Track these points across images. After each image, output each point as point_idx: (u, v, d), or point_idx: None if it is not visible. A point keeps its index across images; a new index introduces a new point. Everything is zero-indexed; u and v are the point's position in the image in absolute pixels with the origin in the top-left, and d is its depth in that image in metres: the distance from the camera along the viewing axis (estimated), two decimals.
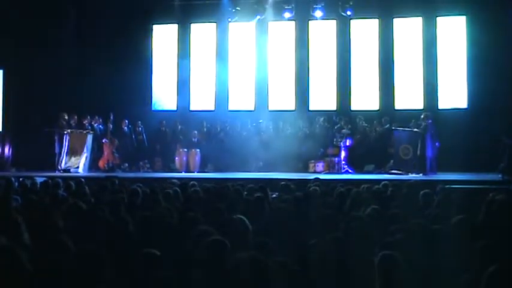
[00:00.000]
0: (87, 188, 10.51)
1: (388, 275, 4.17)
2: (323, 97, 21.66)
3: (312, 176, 14.39)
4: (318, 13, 21.11)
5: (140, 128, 20.72)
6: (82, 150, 19.20)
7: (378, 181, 11.70)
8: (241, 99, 22.28)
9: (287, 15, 21.41)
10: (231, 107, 22.20)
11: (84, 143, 19.28)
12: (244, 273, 3.90)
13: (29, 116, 20.65)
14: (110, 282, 4.46)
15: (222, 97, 22.27)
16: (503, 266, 3.69)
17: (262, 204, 7.79)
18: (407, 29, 21.27)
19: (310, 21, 21.84)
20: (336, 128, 19.66)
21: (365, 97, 21.35)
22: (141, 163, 20.40)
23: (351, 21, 21.47)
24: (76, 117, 19.75)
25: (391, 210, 7.27)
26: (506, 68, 19.29)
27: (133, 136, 20.60)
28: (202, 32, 22.71)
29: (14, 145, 21.15)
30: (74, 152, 19.13)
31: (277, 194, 9.61)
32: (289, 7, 21.25)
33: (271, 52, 22.12)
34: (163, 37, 22.86)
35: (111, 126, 20.01)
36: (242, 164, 19.82)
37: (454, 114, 20.22)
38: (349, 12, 20.91)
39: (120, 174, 17.75)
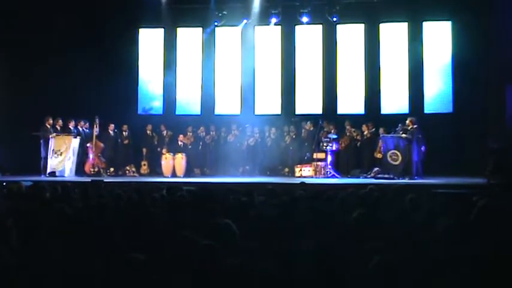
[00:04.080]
0: (73, 192, 10.47)
1: (384, 279, 4.17)
2: (309, 101, 21.71)
3: (298, 181, 14.39)
4: (305, 18, 21.18)
5: (126, 132, 20.64)
6: (67, 154, 19.14)
7: (364, 185, 11.71)
8: (227, 104, 22.28)
9: (274, 20, 21.45)
10: (217, 111, 22.21)
11: (69, 146, 19.20)
12: (231, 279, 3.91)
13: (14, 120, 20.52)
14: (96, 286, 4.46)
15: (208, 101, 22.27)
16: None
17: (248, 209, 7.78)
18: (393, 34, 21.35)
19: (296, 26, 21.90)
20: (322, 132, 19.68)
21: (351, 101, 21.42)
22: (127, 167, 20.35)
23: (337, 26, 21.56)
24: (61, 121, 19.65)
25: (378, 214, 7.28)
26: (491, 72, 19.42)
27: (119, 140, 20.54)
28: (188, 36, 22.69)
29: None
30: (58, 154, 19.05)
31: (263, 198, 9.60)
32: (276, 12, 21.31)
33: (257, 56, 22.15)
34: (149, 41, 22.84)
35: (97, 130, 19.92)
36: (228, 169, 19.85)
37: (439, 118, 20.33)
38: (335, 19, 21.00)
39: (106, 178, 17.69)
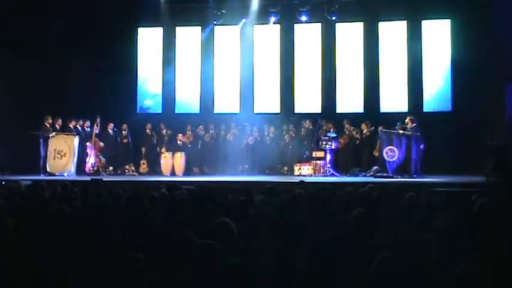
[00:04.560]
0: (72, 191, 10.46)
1: (383, 277, 4.17)
2: (308, 100, 21.70)
3: (298, 179, 14.38)
4: (304, 17, 21.20)
5: (125, 131, 20.63)
6: (70, 154, 19.14)
7: (363, 184, 11.71)
8: (226, 102, 22.27)
9: (273, 19, 21.44)
10: (216, 110, 22.19)
11: (70, 146, 19.19)
12: (230, 278, 3.91)
13: (13, 119, 20.49)
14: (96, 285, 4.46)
15: (207, 100, 22.25)
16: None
17: (247, 208, 7.78)
18: (392, 33, 21.33)
19: (295, 24, 21.88)
20: (321, 131, 19.68)
21: (350, 100, 21.41)
22: (126, 166, 20.34)
23: (336, 24, 21.54)
24: (60, 120, 19.66)
25: (377, 213, 7.28)
26: (490, 70, 19.40)
27: (119, 139, 20.52)
28: (187, 35, 22.68)
29: None
30: (61, 155, 19.06)
31: (262, 197, 9.59)
32: (275, 10, 21.29)
33: (256, 55, 22.15)
34: (148, 40, 22.83)
35: (97, 129, 19.90)
36: (227, 167, 19.83)
37: (438, 117, 20.32)
38: (334, 18, 21.01)
39: (105, 177, 17.68)
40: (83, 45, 20.90)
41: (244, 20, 21.81)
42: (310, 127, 20.16)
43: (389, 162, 17.50)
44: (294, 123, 20.58)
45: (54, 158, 19.04)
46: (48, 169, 18.96)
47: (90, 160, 19.72)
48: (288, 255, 4.90)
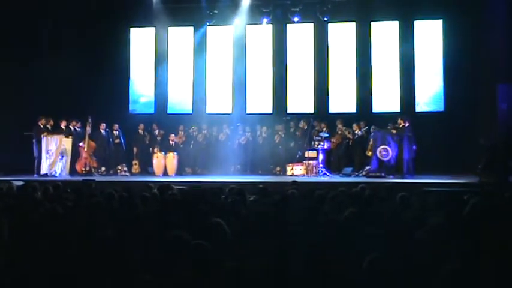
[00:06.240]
0: (64, 191, 10.44)
1: (376, 276, 4.18)
2: (301, 100, 21.70)
3: (290, 179, 14.36)
4: (296, 19, 21.20)
5: (118, 132, 20.59)
6: (62, 154, 19.09)
7: (356, 184, 11.71)
8: (219, 102, 22.24)
9: (265, 20, 21.44)
10: (208, 110, 22.15)
11: (61, 146, 19.13)
12: (223, 278, 3.91)
13: (6, 120, 20.41)
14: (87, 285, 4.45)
15: (199, 100, 22.21)
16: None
17: (240, 208, 7.77)
18: (385, 33, 21.35)
19: (287, 24, 21.87)
20: (313, 131, 19.67)
21: (343, 100, 21.41)
22: (118, 167, 20.28)
23: (329, 24, 21.55)
24: (52, 121, 19.61)
25: (369, 213, 7.28)
26: (482, 70, 19.41)
27: (111, 139, 20.47)
28: (180, 35, 22.66)
29: None
30: (54, 156, 19.01)
31: (255, 197, 9.59)
32: (267, 10, 21.27)
33: (249, 55, 22.14)
34: (140, 40, 22.79)
35: (89, 129, 19.84)
36: (220, 167, 19.76)
37: (431, 117, 20.35)
38: (326, 18, 21.04)
39: (98, 177, 17.64)
40: (76, 45, 20.89)
41: (237, 20, 21.80)
42: (303, 127, 20.14)
43: (383, 161, 17.54)
44: (286, 124, 20.56)
45: (46, 159, 18.96)
46: (47, 170, 18.88)
47: (83, 160, 19.66)
48: (281, 255, 4.90)
